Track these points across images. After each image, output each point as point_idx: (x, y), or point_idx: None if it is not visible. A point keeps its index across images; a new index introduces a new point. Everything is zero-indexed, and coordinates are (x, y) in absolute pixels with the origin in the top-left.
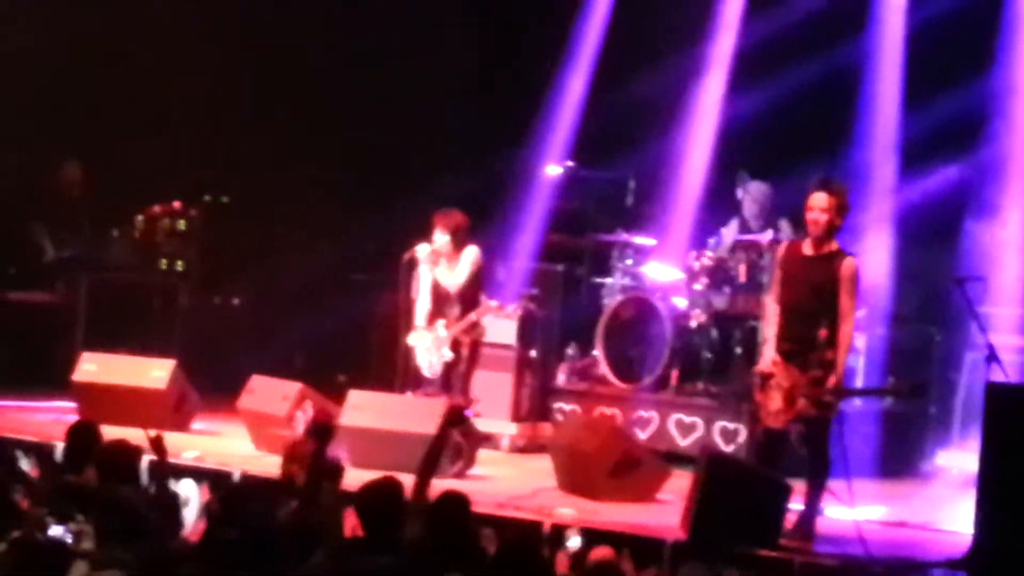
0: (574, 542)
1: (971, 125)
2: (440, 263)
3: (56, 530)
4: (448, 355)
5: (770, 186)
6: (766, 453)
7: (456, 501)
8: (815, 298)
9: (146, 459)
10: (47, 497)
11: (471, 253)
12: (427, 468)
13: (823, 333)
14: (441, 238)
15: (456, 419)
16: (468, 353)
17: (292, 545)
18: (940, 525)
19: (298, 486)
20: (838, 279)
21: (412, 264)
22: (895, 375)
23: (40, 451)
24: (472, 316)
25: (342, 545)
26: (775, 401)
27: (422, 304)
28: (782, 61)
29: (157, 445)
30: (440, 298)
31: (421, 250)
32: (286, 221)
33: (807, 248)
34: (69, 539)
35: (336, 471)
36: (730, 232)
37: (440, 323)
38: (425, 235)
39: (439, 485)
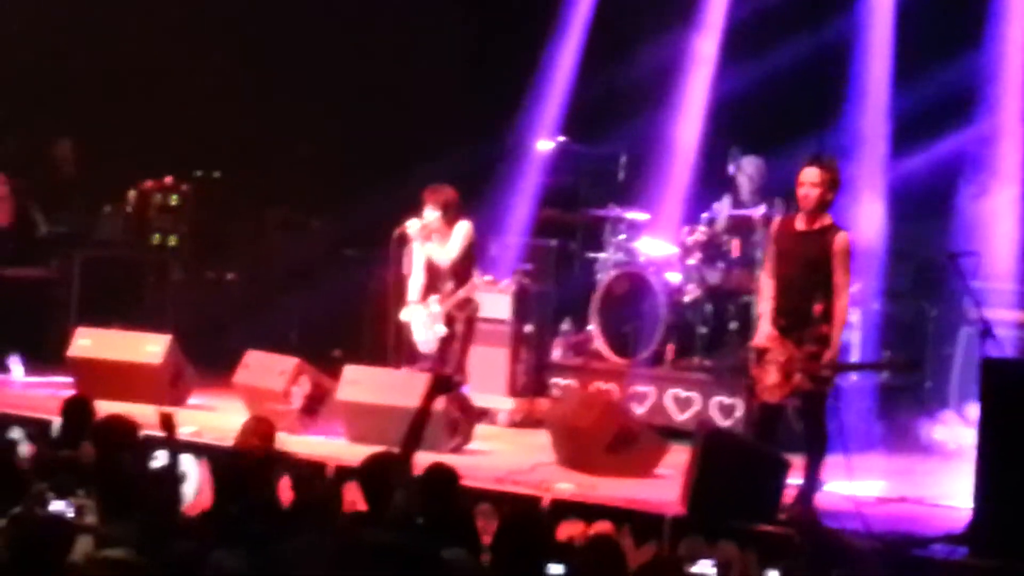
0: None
1: (963, 98)
2: (432, 238)
3: (57, 505)
4: (442, 330)
5: (763, 160)
6: (763, 428)
7: (445, 473)
8: (809, 273)
9: (143, 433)
10: (47, 472)
11: (463, 228)
12: (412, 439)
13: (818, 308)
14: (431, 214)
15: (441, 388)
16: (463, 329)
17: (292, 519)
18: (939, 500)
19: (294, 461)
20: (832, 253)
21: (403, 240)
22: (890, 350)
23: (36, 426)
24: (461, 293)
25: (344, 519)
26: (771, 376)
27: (415, 279)
28: (773, 35)
29: (167, 422)
30: (433, 273)
31: (411, 226)
32: (278, 196)
33: (800, 223)
34: (71, 514)
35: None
36: (723, 207)
37: (433, 298)
38: (417, 211)
39: (438, 459)
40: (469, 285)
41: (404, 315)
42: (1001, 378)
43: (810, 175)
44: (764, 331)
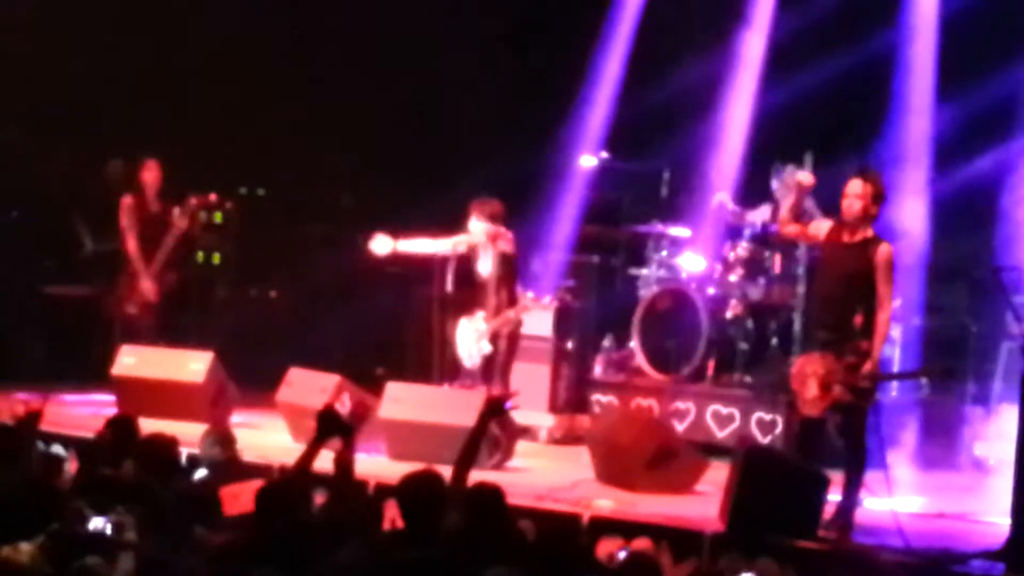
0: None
1: (1006, 111)
2: (479, 253)
3: (97, 522)
4: (487, 348)
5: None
6: (803, 443)
7: (490, 492)
8: (850, 286)
9: (184, 452)
10: (86, 489)
11: (504, 243)
12: (465, 460)
13: (858, 320)
14: (478, 225)
15: (495, 411)
16: (506, 345)
17: (327, 537)
18: (978, 516)
19: (333, 478)
20: (874, 266)
21: (446, 256)
22: (928, 365)
23: (79, 445)
24: (510, 314)
25: (381, 537)
26: (811, 389)
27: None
28: (816, 50)
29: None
30: (478, 288)
31: (459, 244)
32: (322, 213)
33: (844, 234)
34: (110, 531)
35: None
36: (759, 214)
37: (480, 315)
38: (461, 226)
39: (478, 477)
40: (519, 307)
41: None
42: None
43: (855, 187)
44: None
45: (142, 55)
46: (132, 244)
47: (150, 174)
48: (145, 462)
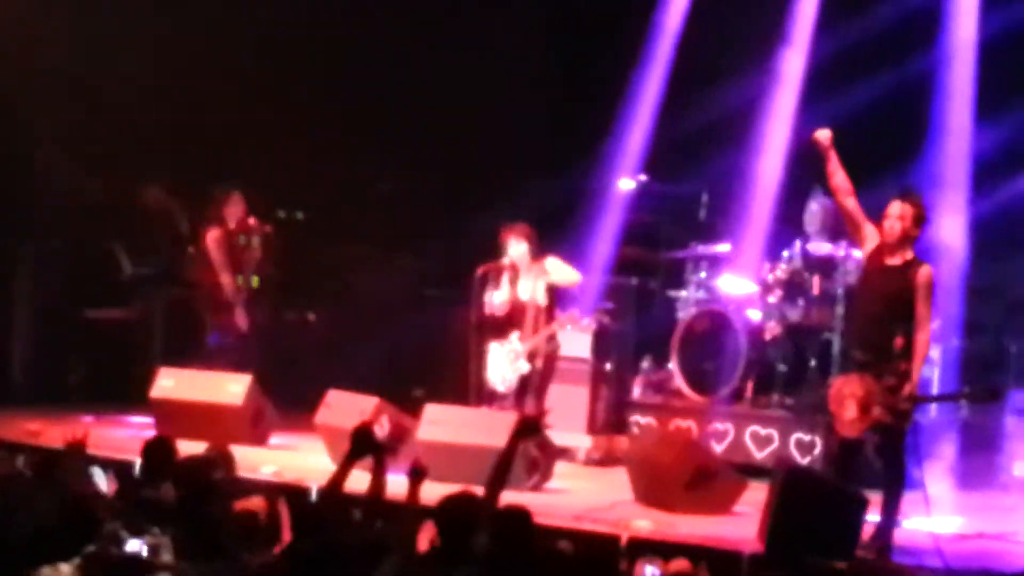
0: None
1: None
2: (519, 276)
3: (133, 544)
4: (525, 367)
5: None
6: (842, 464)
7: (517, 514)
8: (890, 307)
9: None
10: (122, 511)
11: (551, 265)
12: (496, 480)
13: (899, 342)
14: (518, 248)
15: (528, 431)
16: (543, 366)
17: (364, 558)
18: (1018, 536)
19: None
20: (914, 287)
21: (484, 279)
22: (969, 386)
23: (118, 467)
24: (553, 327)
25: (415, 558)
26: (850, 410)
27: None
28: (855, 73)
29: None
30: (516, 310)
31: (515, 251)
32: (360, 237)
33: (885, 256)
34: (145, 552)
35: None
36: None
37: (515, 335)
38: (497, 250)
39: (518, 499)
40: (561, 319)
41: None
42: None
43: (896, 209)
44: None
45: (180, 79)
46: (228, 278)
47: (235, 207)
48: (185, 484)
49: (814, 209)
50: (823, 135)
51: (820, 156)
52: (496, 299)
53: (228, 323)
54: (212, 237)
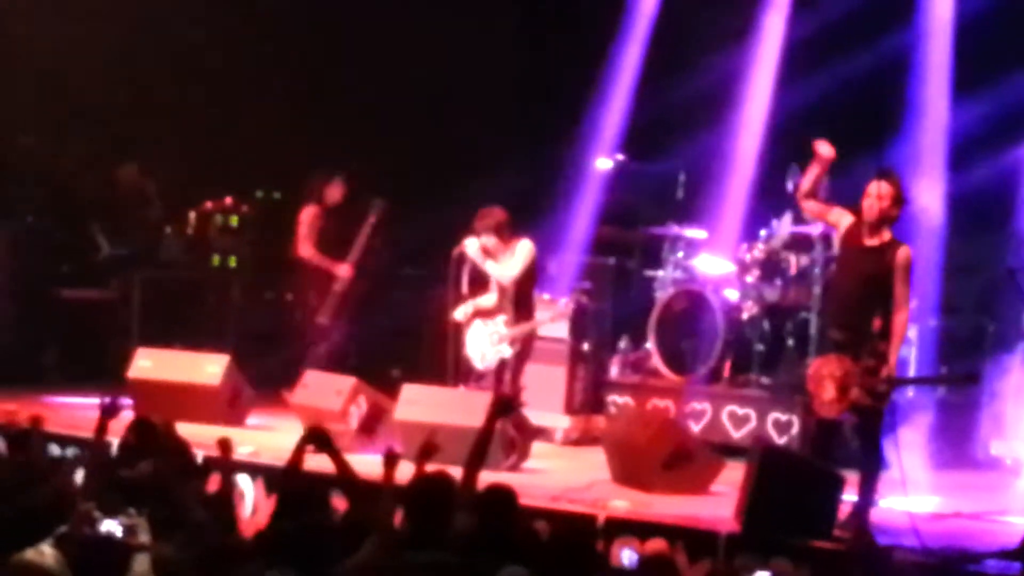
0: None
1: (1021, 114)
2: (491, 258)
3: (108, 524)
4: (507, 352)
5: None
6: (819, 444)
7: (502, 494)
8: (868, 288)
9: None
10: (95, 492)
11: (525, 247)
12: (475, 460)
13: (877, 323)
14: (488, 240)
15: (504, 410)
16: (520, 347)
17: (344, 539)
18: (994, 515)
19: (352, 480)
20: (893, 268)
21: (461, 259)
22: (947, 366)
23: (94, 447)
24: (533, 324)
25: (390, 539)
26: (828, 391)
27: (489, 296)
28: (832, 51)
29: (224, 445)
30: (501, 292)
31: (470, 245)
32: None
33: (863, 236)
34: (120, 533)
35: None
36: (782, 224)
37: (501, 319)
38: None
39: (494, 478)
40: (550, 314)
41: (459, 314)
42: None
43: (875, 189)
44: None
45: (157, 57)
46: (308, 251)
47: (335, 192)
48: (162, 464)
49: (792, 189)
50: (825, 150)
51: (811, 157)
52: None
53: (327, 302)
54: (305, 212)
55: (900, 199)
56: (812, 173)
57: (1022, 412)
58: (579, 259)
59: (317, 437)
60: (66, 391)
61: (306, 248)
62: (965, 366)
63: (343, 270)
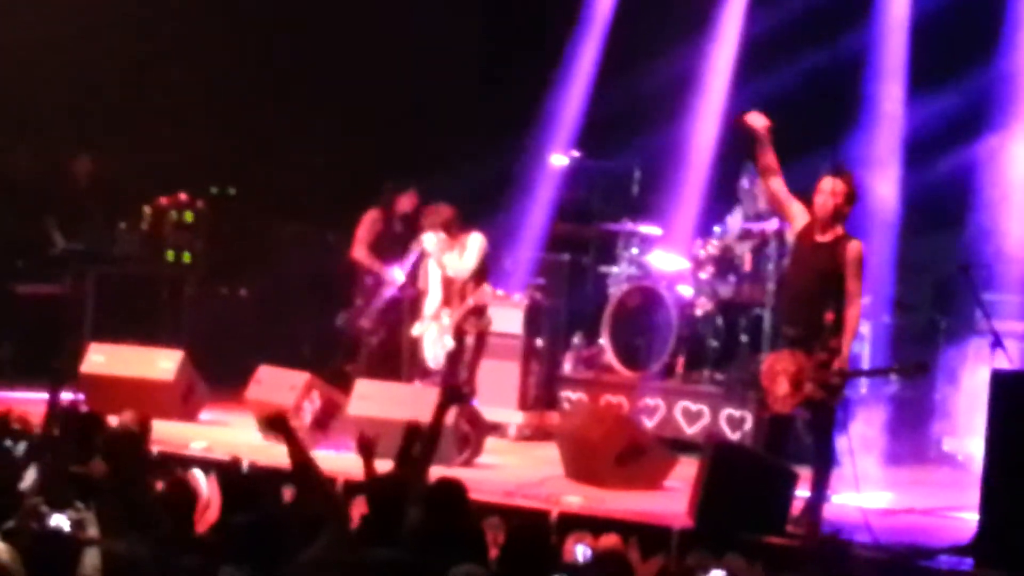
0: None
1: (976, 112)
2: (447, 253)
3: (57, 519)
4: (450, 343)
5: None
6: (772, 440)
7: (451, 487)
8: (821, 283)
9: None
10: (43, 487)
11: (477, 241)
12: (425, 454)
13: (829, 317)
14: (431, 238)
15: (451, 400)
16: (474, 343)
17: (296, 533)
18: (947, 511)
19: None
20: (844, 263)
21: (420, 255)
22: (899, 362)
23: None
24: (470, 301)
25: (345, 534)
26: (782, 386)
27: (432, 297)
28: (788, 50)
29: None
30: (448, 287)
31: (427, 240)
32: (293, 212)
33: (816, 233)
34: (67, 527)
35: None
36: (736, 221)
37: (445, 312)
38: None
39: (448, 474)
40: (478, 294)
41: (416, 330)
42: (1009, 390)
43: (828, 185)
44: None
45: (112, 51)
46: (360, 253)
47: (407, 202)
48: (114, 459)
49: (746, 186)
50: (758, 121)
51: (752, 137)
52: (427, 275)
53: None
54: (367, 215)
55: (853, 196)
56: (761, 150)
57: (974, 409)
58: (534, 255)
59: (277, 423)
60: (19, 386)
61: (359, 250)
62: (916, 359)
63: (392, 275)
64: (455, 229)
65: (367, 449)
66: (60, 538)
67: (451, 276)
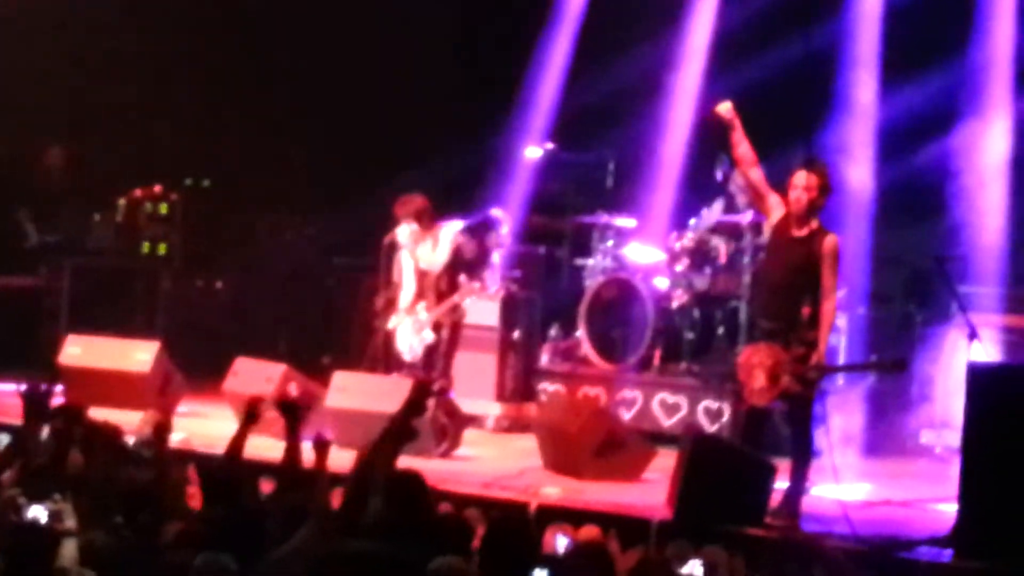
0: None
1: (949, 105)
2: (420, 244)
3: (35, 510)
4: (430, 337)
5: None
6: (749, 432)
7: (410, 478)
8: (797, 277)
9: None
10: (20, 478)
11: (449, 233)
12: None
13: (806, 311)
14: (408, 227)
15: (422, 396)
16: (448, 335)
17: (277, 525)
18: (925, 503)
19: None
20: (820, 257)
21: (393, 247)
22: (876, 354)
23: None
24: (455, 298)
25: (326, 525)
26: (759, 379)
27: (407, 288)
28: (761, 42)
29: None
30: (422, 279)
31: (401, 232)
32: (268, 204)
33: (791, 227)
34: (45, 519)
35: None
36: (711, 213)
37: (421, 305)
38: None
39: (427, 466)
40: (463, 290)
41: (391, 324)
42: (985, 382)
43: (801, 179)
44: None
45: (85, 42)
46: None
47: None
48: (91, 451)
49: (740, 181)
50: (724, 108)
51: (723, 128)
52: (401, 269)
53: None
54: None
55: (826, 188)
56: (734, 138)
57: (951, 401)
58: (509, 248)
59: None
60: None
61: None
62: (894, 354)
63: None
64: (427, 220)
65: (321, 447)
66: (38, 530)
67: (424, 269)
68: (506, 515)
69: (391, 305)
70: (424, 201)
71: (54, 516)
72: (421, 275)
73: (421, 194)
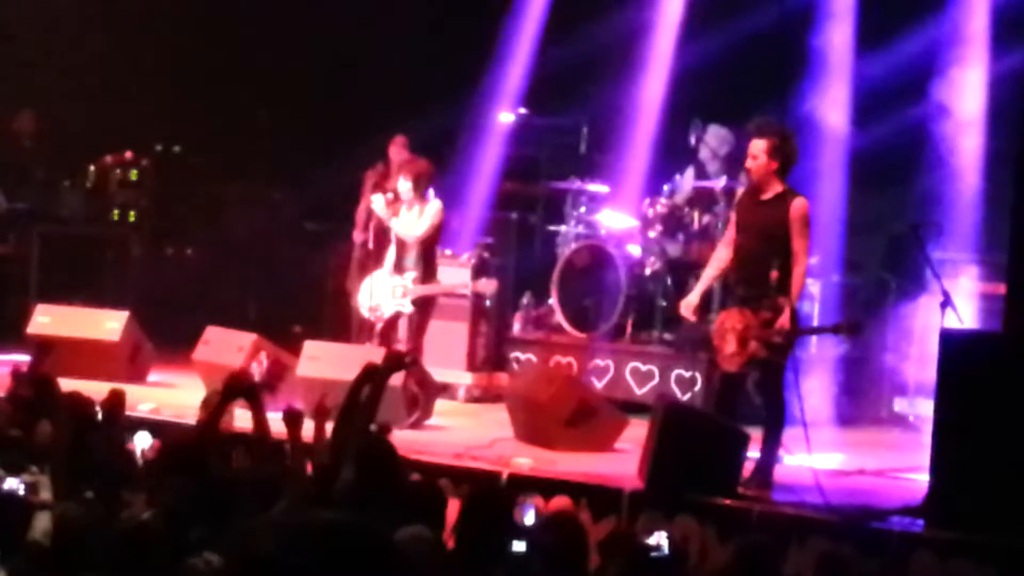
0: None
1: (925, 69)
2: (400, 211)
3: (10, 482)
4: (408, 309)
5: (728, 131)
6: (722, 399)
7: (380, 444)
8: (766, 241)
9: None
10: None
11: (434, 207)
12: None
13: (774, 275)
14: (404, 184)
15: (393, 367)
16: (424, 308)
17: (250, 496)
18: (898, 472)
19: (255, 437)
20: (789, 220)
21: (368, 215)
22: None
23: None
24: (437, 289)
25: (303, 497)
26: (730, 344)
27: (391, 252)
28: (735, 6)
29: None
30: (399, 246)
31: (376, 201)
32: (238, 170)
33: (758, 193)
34: (22, 491)
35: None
36: (687, 179)
37: (409, 275)
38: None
39: (397, 436)
40: (449, 288)
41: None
42: (959, 349)
43: (754, 147)
44: (689, 300)
45: (56, 8)
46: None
47: (396, 152)
48: (63, 421)
49: (713, 144)
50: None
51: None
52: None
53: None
54: (367, 174)
55: (778, 149)
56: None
57: (925, 369)
58: (481, 214)
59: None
60: None
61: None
62: (866, 322)
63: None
64: (423, 186)
65: (321, 415)
66: (12, 500)
67: (402, 237)
68: (484, 489)
69: (364, 270)
70: (429, 167)
71: (30, 488)
72: (400, 244)
73: (428, 160)
